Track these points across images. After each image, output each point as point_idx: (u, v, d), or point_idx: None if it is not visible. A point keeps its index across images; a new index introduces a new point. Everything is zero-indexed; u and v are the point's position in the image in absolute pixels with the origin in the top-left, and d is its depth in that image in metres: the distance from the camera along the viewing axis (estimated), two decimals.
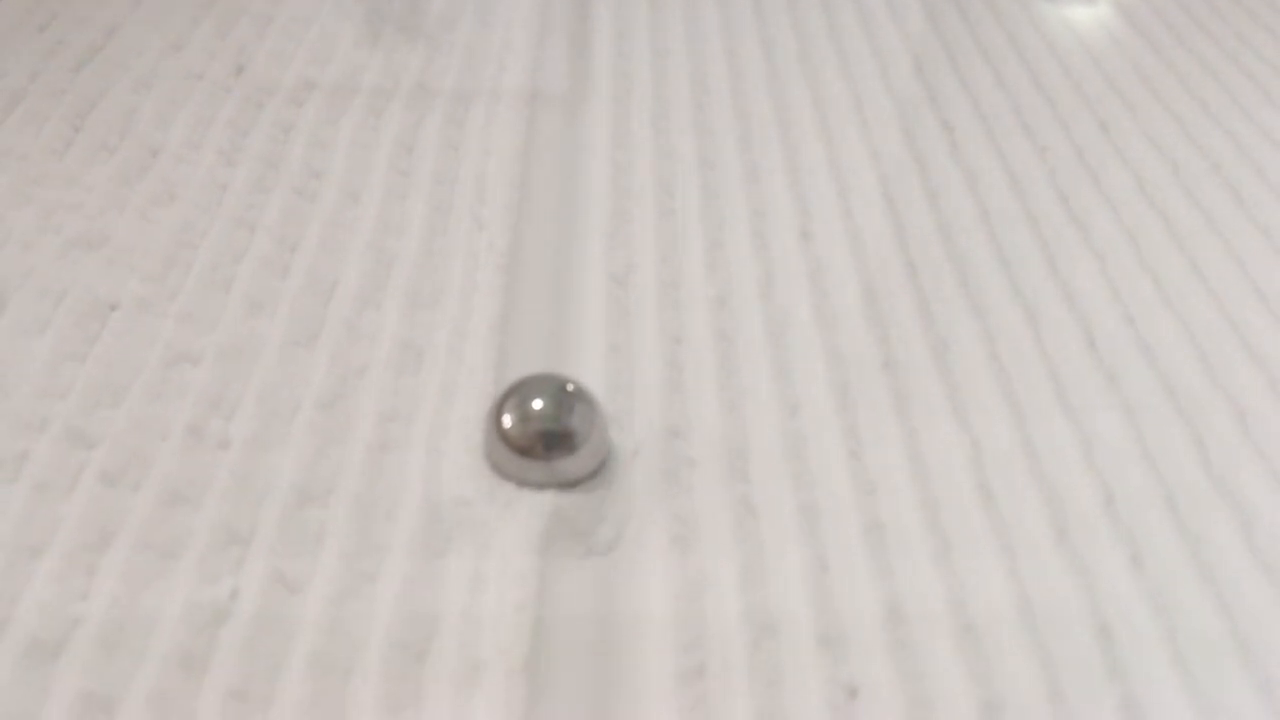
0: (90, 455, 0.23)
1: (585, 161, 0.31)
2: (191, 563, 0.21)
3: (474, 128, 0.33)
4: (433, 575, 0.20)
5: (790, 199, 0.30)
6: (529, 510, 0.21)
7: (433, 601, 0.20)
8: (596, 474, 0.22)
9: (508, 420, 0.22)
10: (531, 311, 0.26)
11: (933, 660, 0.19)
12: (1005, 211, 0.30)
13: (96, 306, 0.27)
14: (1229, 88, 0.35)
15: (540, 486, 0.22)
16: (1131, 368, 0.25)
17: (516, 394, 0.22)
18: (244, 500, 0.23)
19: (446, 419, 0.24)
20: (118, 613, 0.20)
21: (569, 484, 0.22)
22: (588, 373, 0.25)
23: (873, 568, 0.21)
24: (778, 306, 0.27)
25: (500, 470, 0.22)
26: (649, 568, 0.20)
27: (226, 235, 0.30)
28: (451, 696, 0.18)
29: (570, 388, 0.22)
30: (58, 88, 0.34)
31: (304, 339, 0.27)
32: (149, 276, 0.28)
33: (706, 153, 0.31)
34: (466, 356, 0.25)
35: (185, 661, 0.20)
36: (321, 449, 0.24)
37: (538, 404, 0.22)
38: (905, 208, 0.30)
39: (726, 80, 0.35)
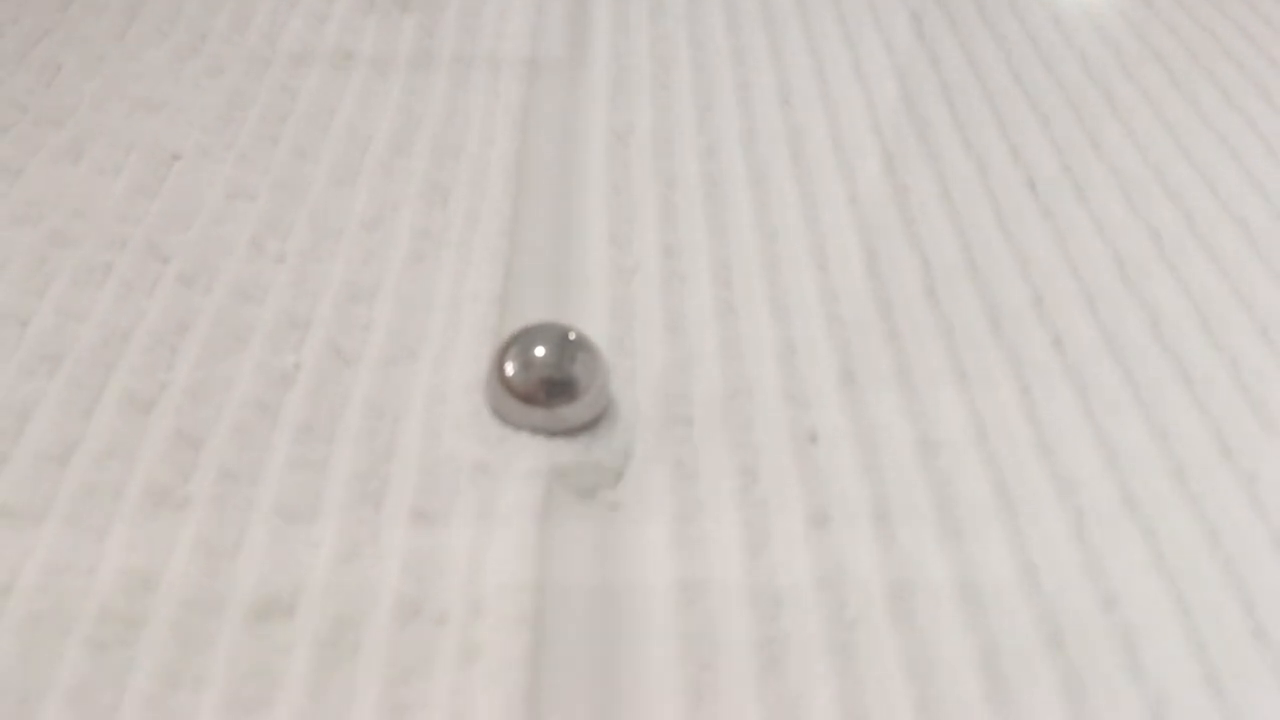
0: (166, 266, 0.27)
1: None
2: (259, 343, 0.25)
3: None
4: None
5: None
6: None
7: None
8: (598, 421, 0.23)
9: (510, 368, 0.23)
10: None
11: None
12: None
13: (162, 155, 0.31)
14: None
15: (542, 433, 0.23)
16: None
17: (519, 342, 0.23)
18: (301, 297, 0.26)
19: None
20: (201, 375, 0.24)
21: (571, 431, 0.23)
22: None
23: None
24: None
25: (502, 417, 0.23)
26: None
27: (273, 99, 0.33)
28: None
29: (572, 336, 0.23)
30: None
31: (346, 178, 0.30)
32: (206, 130, 0.32)
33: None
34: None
35: (260, 409, 0.24)
36: (365, 259, 0.28)
37: (540, 351, 0.23)
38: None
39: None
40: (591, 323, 0.26)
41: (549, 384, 0.22)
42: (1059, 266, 0.28)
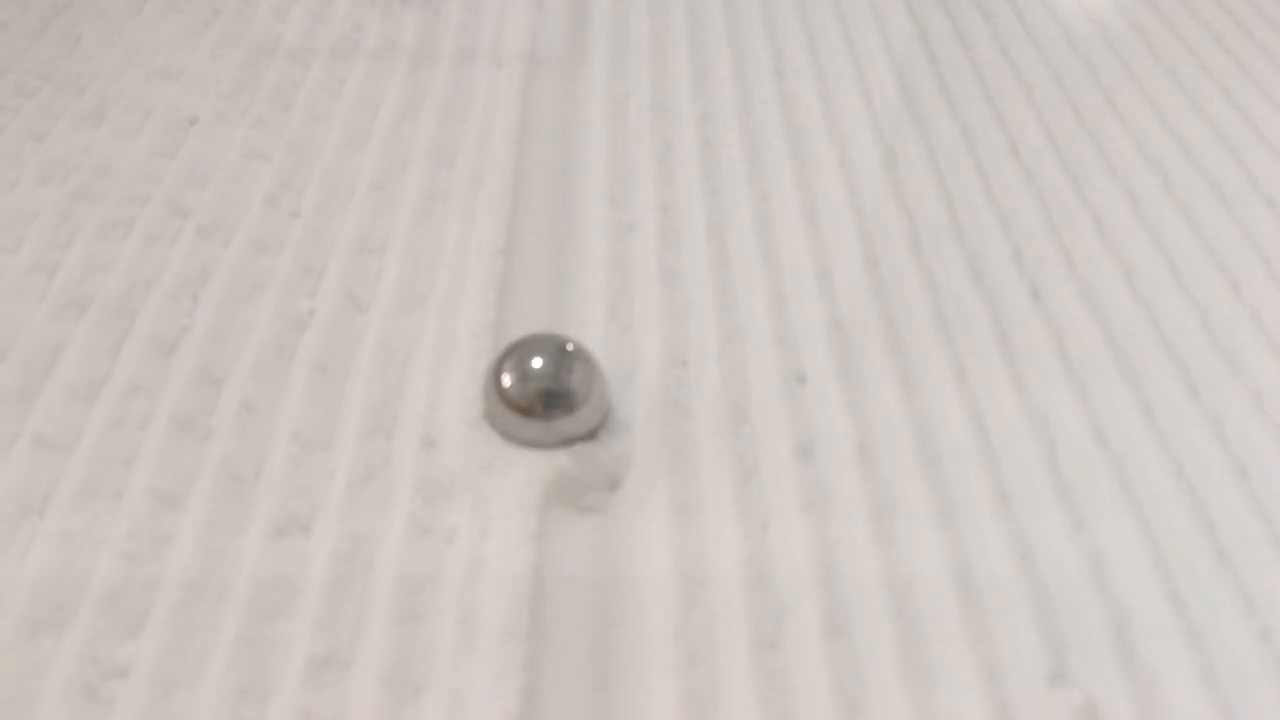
0: (186, 221, 0.28)
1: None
2: (276, 290, 0.26)
3: None
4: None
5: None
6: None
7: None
8: (596, 433, 0.23)
9: (507, 379, 0.22)
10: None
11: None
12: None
13: (179, 119, 0.32)
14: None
15: (540, 446, 0.22)
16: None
17: (516, 353, 0.23)
18: (316, 249, 0.28)
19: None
20: (221, 319, 0.26)
21: (568, 443, 0.22)
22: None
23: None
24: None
25: (499, 429, 0.23)
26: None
27: (285, 68, 0.34)
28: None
29: (570, 347, 0.23)
30: None
31: (356, 141, 0.31)
32: (222, 97, 0.33)
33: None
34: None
35: (278, 349, 0.25)
36: (375, 216, 0.29)
37: (537, 363, 0.23)
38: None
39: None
40: (591, 276, 0.28)
41: (547, 395, 0.22)
42: (1039, 225, 0.30)
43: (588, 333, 0.26)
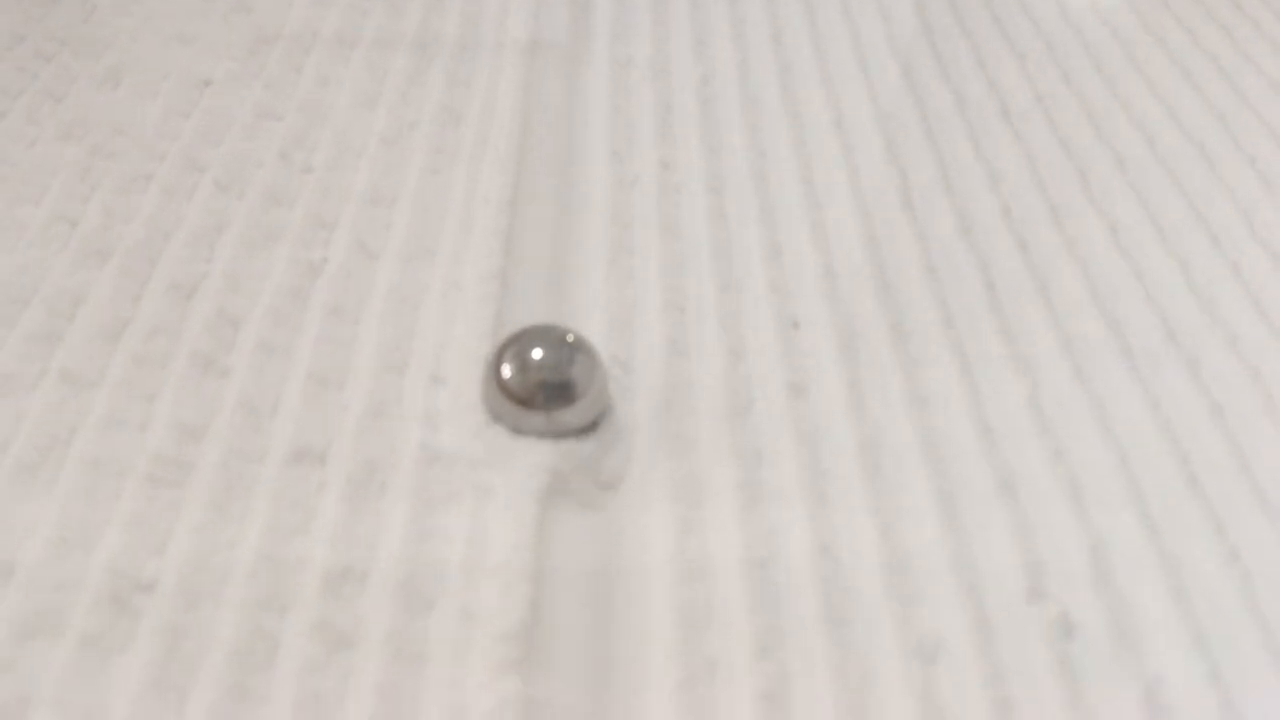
0: (202, 175, 0.29)
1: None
2: (290, 240, 0.28)
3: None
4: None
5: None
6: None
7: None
8: (596, 425, 0.23)
9: (507, 370, 0.22)
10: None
11: None
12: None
13: (194, 81, 0.33)
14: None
15: (539, 437, 0.22)
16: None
17: (516, 344, 0.23)
18: (327, 202, 0.29)
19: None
20: (237, 266, 0.27)
21: (568, 435, 0.22)
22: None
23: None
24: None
25: (499, 420, 0.23)
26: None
27: (295, 35, 0.35)
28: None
29: (570, 338, 0.24)
30: None
31: (366, 102, 0.33)
32: (235, 60, 0.34)
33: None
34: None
35: (293, 294, 0.26)
36: (386, 171, 0.30)
37: (537, 354, 0.23)
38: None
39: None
40: (594, 232, 0.29)
41: (546, 387, 0.22)
42: (1027, 183, 0.31)
43: (590, 280, 0.27)
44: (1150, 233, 0.29)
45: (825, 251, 0.28)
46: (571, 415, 0.23)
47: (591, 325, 0.26)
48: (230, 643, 0.19)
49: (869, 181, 0.31)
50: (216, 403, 0.23)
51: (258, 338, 0.25)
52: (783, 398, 0.24)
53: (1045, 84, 0.35)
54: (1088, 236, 0.29)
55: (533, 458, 0.22)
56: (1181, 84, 0.35)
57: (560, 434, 0.23)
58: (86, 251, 0.27)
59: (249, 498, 0.22)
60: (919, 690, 0.19)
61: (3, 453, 0.22)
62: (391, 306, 0.26)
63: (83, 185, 0.29)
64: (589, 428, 0.23)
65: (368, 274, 0.27)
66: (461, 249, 0.28)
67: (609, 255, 0.28)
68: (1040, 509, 0.22)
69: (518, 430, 0.23)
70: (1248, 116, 0.34)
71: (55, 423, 0.23)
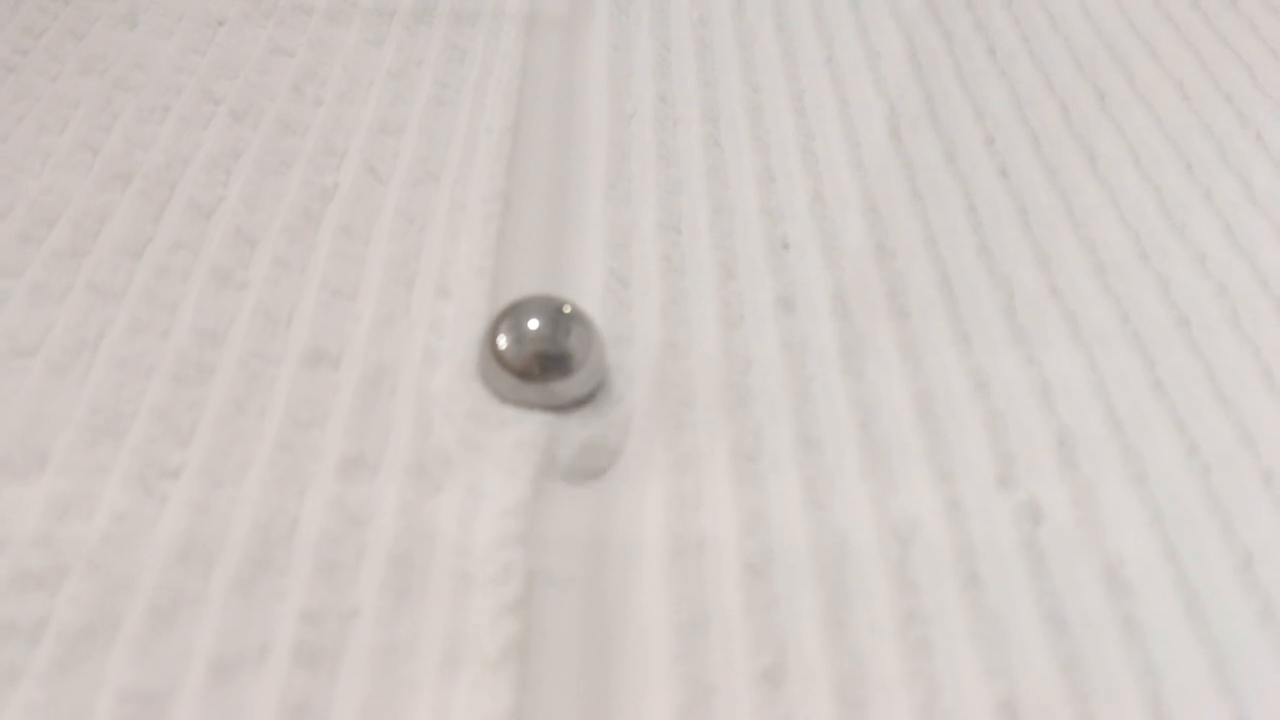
0: (218, 106, 0.31)
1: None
2: (302, 165, 0.29)
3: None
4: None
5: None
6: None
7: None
8: (593, 397, 0.23)
9: (503, 341, 0.22)
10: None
11: None
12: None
13: (208, 20, 0.34)
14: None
15: (536, 408, 0.22)
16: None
17: (512, 315, 0.23)
18: (338, 131, 0.30)
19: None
20: (252, 189, 0.28)
21: (565, 406, 0.23)
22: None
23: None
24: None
25: (495, 392, 0.23)
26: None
27: None
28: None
29: (567, 309, 0.22)
30: None
31: (374, 39, 0.34)
32: (247, 0, 0.35)
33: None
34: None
35: (306, 215, 0.27)
36: (393, 102, 0.31)
37: (533, 325, 0.22)
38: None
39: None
40: (594, 158, 0.30)
41: (542, 358, 0.22)
42: (1010, 115, 0.32)
43: (588, 202, 0.28)
44: (1127, 161, 0.30)
45: (815, 177, 0.29)
46: (569, 387, 0.23)
47: (590, 245, 0.27)
48: (252, 519, 0.20)
49: (858, 113, 0.32)
50: (235, 312, 0.25)
51: (273, 253, 0.26)
52: (771, 310, 0.26)
53: (1031, 26, 0.36)
54: (1066, 164, 0.30)
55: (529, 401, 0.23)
56: (1164, 25, 0.36)
57: (558, 407, 0.23)
58: (108, 176, 0.28)
59: (268, 395, 0.23)
60: (895, 567, 0.20)
61: (34, 355, 0.23)
62: (399, 226, 0.27)
63: (103, 116, 0.30)
64: (587, 398, 0.23)
65: (377, 197, 0.28)
66: (466, 173, 0.29)
67: (608, 179, 0.29)
68: (1011, 406, 0.23)
69: (512, 401, 0.23)
70: (1225, 55, 0.35)
71: (83, 329, 0.24)
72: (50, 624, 0.19)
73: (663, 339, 0.25)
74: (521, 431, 0.22)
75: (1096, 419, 0.23)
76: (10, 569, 0.19)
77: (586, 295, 0.26)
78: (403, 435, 0.22)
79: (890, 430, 0.23)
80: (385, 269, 0.26)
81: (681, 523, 0.21)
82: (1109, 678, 0.19)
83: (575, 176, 0.29)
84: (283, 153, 0.29)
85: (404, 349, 0.24)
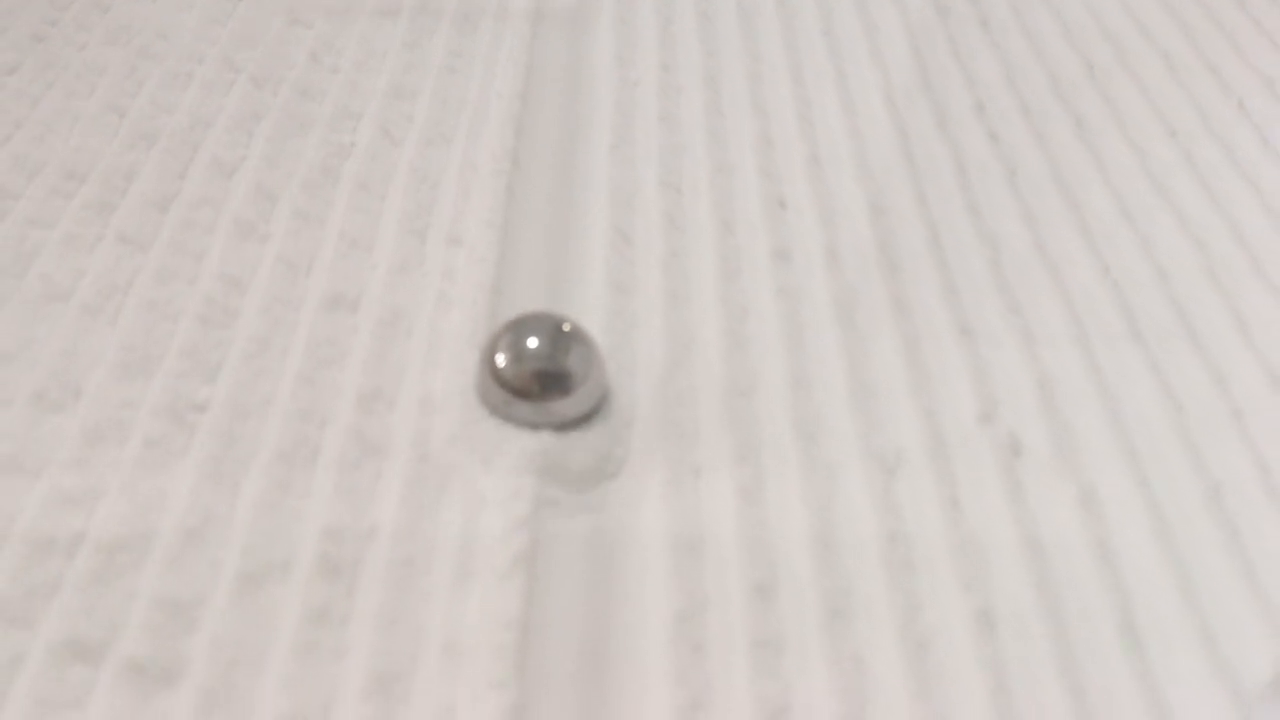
0: (239, 74, 0.32)
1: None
2: (321, 127, 0.30)
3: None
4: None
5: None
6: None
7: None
8: (593, 416, 0.23)
9: (501, 359, 0.22)
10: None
11: None
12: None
13: None
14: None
15: (535, 427, 0.22)
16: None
17: (511, 333, 0.22)
18: (354, 96, 0.31)
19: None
20: (273, 149, 0.29)
21: (564, 426, 0.22)
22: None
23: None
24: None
25: (493, 410, 0.22)
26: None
27: None
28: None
29: (567, 327, 0.22)
30: None
31: (388, 12, 0.35)
32: None
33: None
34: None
35: (324, 171, 0.28)
36: (406, 69, 0.32)
37: (533, 343, 0.22)
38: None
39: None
40: (599, 122, 0.31)
41: (542, 376, 0.22)
42: (1000, 84, 0.33)
43: (594, 162, 0.30)
44: (1112, 127, 0.32)
45: (811, 142, 0.31)
46: (567, 405, 0.22)
47: (595, 201, 0.28)
48: (276, 446, 0.22)
49: (855, 82, 0.33)
50: (258, 261, 0.26)
51: (293, 207, 0.27)
52: (768, 264, 0.27)
53: (1024, 2, 0.37)
54: (1054, 130, 0.31)
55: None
56: (1153, 1, 0.38)
57: (557, 426, 0.22)
58: (135, 136, 0.29)
59: (290, 336, 0.24)
60: (880, 494, 0.22)
61: (67, 299, 0.25)
62: (413, 183, 0.28)
63: (129, 82, 0.32)
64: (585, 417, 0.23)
65: (392, 156, 0.29)
66: (477, 135, 0.30)
67: (612, 141, 0.30)
68: (994, 353, 0.25)
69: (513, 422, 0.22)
70: (1211, 27, 0.36)
71: (114, 275, 0.25)
72: (87, 539, 0.20)
73: (664, 289, 0.26)
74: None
75: (1076, 365, 0.24)
76: (48, 490, 0.21)
77: (591, 249, 0.27)
78: (416, 371, 0.23)
79: (879, 372, 0.24)
80: (400, 221, 0.27)
81: (680, 457, 0.22)
82: (1081, 595, 0.20)
83: (581, 139, 0.30)
84: (301, 116, 0.30)
85: (418, 294, 0.25)
